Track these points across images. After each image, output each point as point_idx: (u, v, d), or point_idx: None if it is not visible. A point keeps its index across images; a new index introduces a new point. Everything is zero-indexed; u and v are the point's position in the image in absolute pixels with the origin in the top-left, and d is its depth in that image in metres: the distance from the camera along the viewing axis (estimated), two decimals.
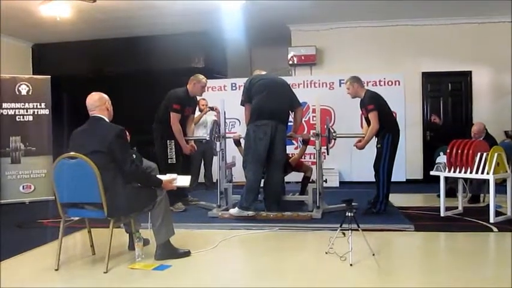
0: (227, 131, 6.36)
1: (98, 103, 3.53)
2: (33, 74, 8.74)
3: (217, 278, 3.34)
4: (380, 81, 8.09)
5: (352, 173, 8.17)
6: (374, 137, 5.23)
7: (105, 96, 3.61)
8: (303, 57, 8.59)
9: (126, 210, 3.44)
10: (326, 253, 3.63)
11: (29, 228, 5.04)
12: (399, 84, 8.14)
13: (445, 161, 5.10)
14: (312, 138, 5.60)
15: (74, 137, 3.52)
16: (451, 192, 5.78)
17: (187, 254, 3.68)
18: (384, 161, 5.13)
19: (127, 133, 3.56)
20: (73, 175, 3.33)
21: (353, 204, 3.58)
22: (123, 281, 3.21)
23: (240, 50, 9.74)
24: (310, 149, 6.27)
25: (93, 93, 3.59)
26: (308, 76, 8.60)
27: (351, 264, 3.33)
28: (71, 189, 3.38)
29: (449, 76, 8.45)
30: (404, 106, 7.99)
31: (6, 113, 6.77)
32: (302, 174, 5.97)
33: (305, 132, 7.59)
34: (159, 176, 3.69)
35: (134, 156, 3.60)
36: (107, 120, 3.53)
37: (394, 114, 5.49)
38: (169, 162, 5.49)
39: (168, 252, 3.58)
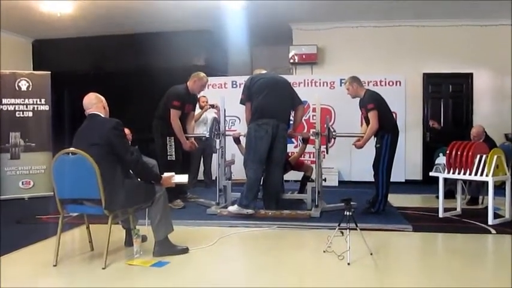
0: (227, 128, 6.36)
1: (94, 101, 3.60)
2: (33, 70, 8.71)
3: (215, 275, 3.34)
4: (381, 81, 8.08)
5: (352, 172, 8.17)
6: (373, 136, 5.23)
7: (102, 96, 3.68)
8: (304, 56, 8.59)
9: (124, 203, 3.43)
10: (324, 252, 3.64)
11: (28, 224, 5.04)
12: (400, 84, 8.14)
13: (445, 162, 5.10)
14: (311, 137, 5.60)
15: (75, 136, 3.56)
16: (450, 194, 5.77)
17: (185, 250, 3.69)
18: (383, 161, 5.13)
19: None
20: (72, 171, 3.34)
21: (352, 203, 3.58)
22: (121, 277, 3.22)
23: (241, 49, 9.72)
24: (309, 148, 6.27)
25: (90, 93, 3.66)
26: (309, 75, 8.59)
27: (348, 263, 3.34)
28: (70, 185, 3.39)
29: (450, 78, 8.44)
30: (404, 107, 8.00)
31: (6, 109, 6.76)
32: (302, 172, 5.97)
33: (305, 131, 7.60)
34: None
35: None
36: (103, 116, 3.58)
37: (393, 115, 5.49)
38: (168, 159, 5.50)
39: (167, 248, 3.59)
